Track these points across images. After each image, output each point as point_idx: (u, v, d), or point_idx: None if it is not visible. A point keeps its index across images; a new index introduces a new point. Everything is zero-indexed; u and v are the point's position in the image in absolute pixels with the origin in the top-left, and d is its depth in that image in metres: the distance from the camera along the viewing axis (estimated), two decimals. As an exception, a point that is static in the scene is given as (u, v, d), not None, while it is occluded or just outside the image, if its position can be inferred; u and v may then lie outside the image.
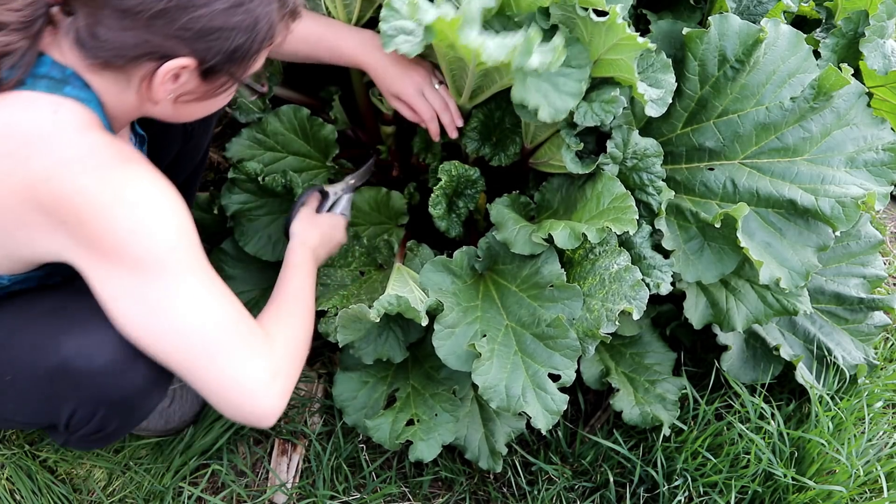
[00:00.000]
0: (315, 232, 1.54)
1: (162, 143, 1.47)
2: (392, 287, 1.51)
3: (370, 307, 1.38)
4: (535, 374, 1.39)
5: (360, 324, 1.48)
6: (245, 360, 1.08)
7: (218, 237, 1.91)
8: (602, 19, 1.32)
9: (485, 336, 1.42)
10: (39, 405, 1.15)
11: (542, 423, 1.36)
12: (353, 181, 1.72)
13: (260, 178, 1.68)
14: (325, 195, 1.67)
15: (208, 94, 1.18)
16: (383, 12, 1.33)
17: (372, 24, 1.63)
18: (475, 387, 1.38)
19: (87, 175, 1.00)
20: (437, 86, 1.56)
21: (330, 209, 1.67)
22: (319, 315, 1.59)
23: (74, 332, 1.09)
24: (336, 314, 1.56)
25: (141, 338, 1.07)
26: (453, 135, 1.61)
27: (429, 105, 1.56)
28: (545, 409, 1.37)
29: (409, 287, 1.52)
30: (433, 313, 1.43)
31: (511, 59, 1.22)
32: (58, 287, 1.22)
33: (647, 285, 1.46)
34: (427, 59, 1.57)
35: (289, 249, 1.47)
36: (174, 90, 1.13)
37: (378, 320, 1.37)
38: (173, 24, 1.04)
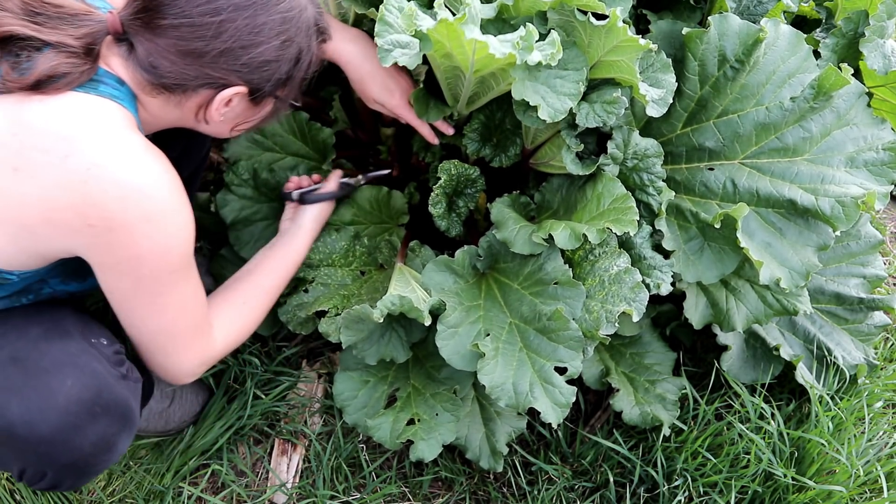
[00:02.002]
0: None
1: (168, 139, 1.48)
2: (394, 287, 1.51)
3: (373, 307, 1.39)
4: (542, 368, 1.39)
5: (364, 324, 1.48)
6: (185, 357, 1.28)
7: (217, 236, 1.91)
8: (601, 23, 1.32)
9: (488, 335, 1.42)
10: None
11: (553, 417, 1.36)
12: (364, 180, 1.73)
13: (260, 175, 1.71)
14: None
15: (255, 113, 1.31)
16: (378, 27, 1.33)
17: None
18: (477, 386, 1.38)
19: (126, 183, 1.03)
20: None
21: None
22: (320, 315, 1.59)
23: (25, 393, 1.05)
24: (337, 314, 1.56)
25: (121, 319, 1.21)
26: (449, 132, 1.64)
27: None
28: (554, 403, 1.37)
29: (410, 287, 1.52)
30: (436, 313, 1.43)
31: (514, 53, 1.24)
32: (31, 322, 1.17)
33: (647, 286, 1.46)
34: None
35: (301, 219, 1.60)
36: (225, 113, 1.24)
37: (381, 320, 1.38)
38: (235, 61, 1.15)
